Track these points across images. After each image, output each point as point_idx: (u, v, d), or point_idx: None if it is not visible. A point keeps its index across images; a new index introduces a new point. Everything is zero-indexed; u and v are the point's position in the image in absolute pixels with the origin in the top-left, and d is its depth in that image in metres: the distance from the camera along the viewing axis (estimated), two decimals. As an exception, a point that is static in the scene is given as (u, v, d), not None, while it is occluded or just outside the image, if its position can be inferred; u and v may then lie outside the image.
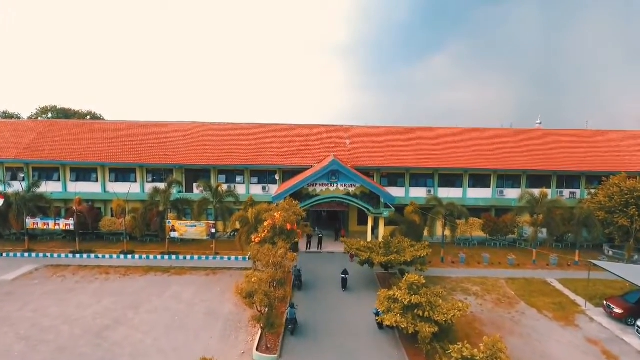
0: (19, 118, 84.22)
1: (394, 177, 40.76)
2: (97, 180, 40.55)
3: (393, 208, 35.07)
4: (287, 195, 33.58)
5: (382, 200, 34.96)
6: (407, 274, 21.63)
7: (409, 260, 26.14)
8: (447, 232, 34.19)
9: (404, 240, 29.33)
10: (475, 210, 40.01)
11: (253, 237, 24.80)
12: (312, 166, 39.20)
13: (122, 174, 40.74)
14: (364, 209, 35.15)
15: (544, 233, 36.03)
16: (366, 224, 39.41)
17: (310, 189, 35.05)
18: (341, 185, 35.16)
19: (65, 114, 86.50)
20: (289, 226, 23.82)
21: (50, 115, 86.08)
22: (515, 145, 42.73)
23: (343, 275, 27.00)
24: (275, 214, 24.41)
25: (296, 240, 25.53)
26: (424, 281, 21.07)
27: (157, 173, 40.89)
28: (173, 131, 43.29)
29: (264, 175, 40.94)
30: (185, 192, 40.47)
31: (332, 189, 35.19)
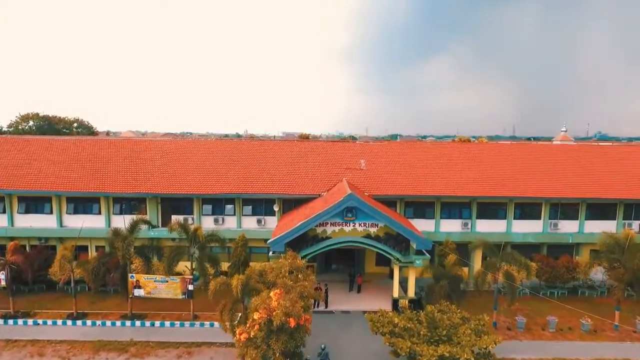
0: (-3, 128, 74.87)
1: (421, 206, 31.43)
2: (51, 212, 31.23)
3: (428, 255, 25.77)
4: (289, 240, 24.38)
5: (412, 244, 25.68)
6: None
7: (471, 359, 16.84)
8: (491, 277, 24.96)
9: (452, 311, 20.05)
10: (523, 248, 30.80)
11: (237, 332, 15.53)
12: (319, 195, 30.00)
13: (83, 204, 31.37)
14: (390, 257, 25.85)
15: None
16: (386, 264, 30.41)
17: (319, 229, 25.75)
18: (359, 224, 25.85)
19: (49, 122, 77.05)
20: (292, 322, 14.55)
21: (31, 123, 76.70)
22: (568, 165, 33.37)
23: None
24: (272, 298, 15.13)
25: (306, 335, 16.11)
26: None
27: (127, 202, 31.63)
28: (148, 149, 33.84)
29: (260, 205, 31.60)
30: (162, 226, 31.19)
31: (347, 229, 25.90)
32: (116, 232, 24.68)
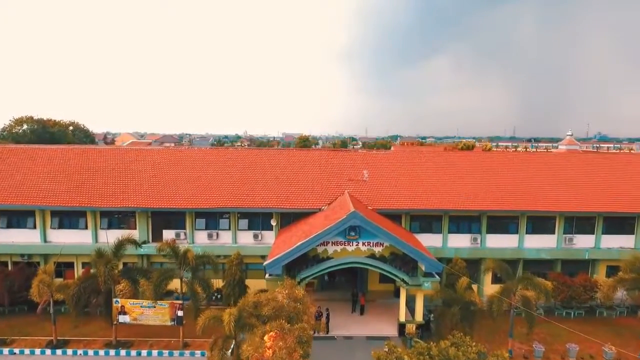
0: (-11, 132, 72.65)
1: (428, 220, 29.38)
2: (35, 227, 29.14)
3: (437, 277, 23.67)
4: (287, 261, 22.31)
5: (420, 265, 23.56)
6: None
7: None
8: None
9: (466, 344, 17.98)
10: (536, 264, 28.89)
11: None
12: (320, 209, 27.95)
13: (68, 218, 29.32)
14: (396, 279, 23.78)
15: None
16: (392, 281, 28.16)
17: (320, 249, 23.66)
18: (363, 243, 23.76)
19: (44, 125, 74.89)
20: (289, 373, 12.51)
21: (25, 127, 74.53)
22: (582, 175, 31.30)
23: None
24: (266, 343, 13.07)
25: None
26: None
27: (116, 216, 29.58)
28: (137, 159, 31.71)
29: (257, 219, 29.52)
30: (153, 241, 29.11)
31: (350, 248, 23.82)
32: (100, 254, 22.55)
